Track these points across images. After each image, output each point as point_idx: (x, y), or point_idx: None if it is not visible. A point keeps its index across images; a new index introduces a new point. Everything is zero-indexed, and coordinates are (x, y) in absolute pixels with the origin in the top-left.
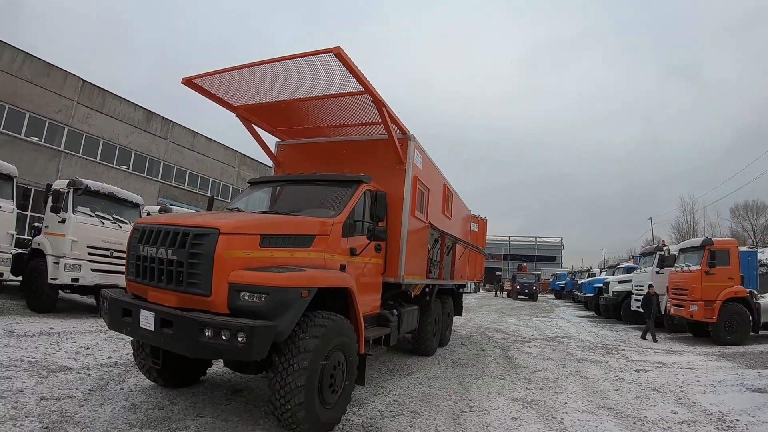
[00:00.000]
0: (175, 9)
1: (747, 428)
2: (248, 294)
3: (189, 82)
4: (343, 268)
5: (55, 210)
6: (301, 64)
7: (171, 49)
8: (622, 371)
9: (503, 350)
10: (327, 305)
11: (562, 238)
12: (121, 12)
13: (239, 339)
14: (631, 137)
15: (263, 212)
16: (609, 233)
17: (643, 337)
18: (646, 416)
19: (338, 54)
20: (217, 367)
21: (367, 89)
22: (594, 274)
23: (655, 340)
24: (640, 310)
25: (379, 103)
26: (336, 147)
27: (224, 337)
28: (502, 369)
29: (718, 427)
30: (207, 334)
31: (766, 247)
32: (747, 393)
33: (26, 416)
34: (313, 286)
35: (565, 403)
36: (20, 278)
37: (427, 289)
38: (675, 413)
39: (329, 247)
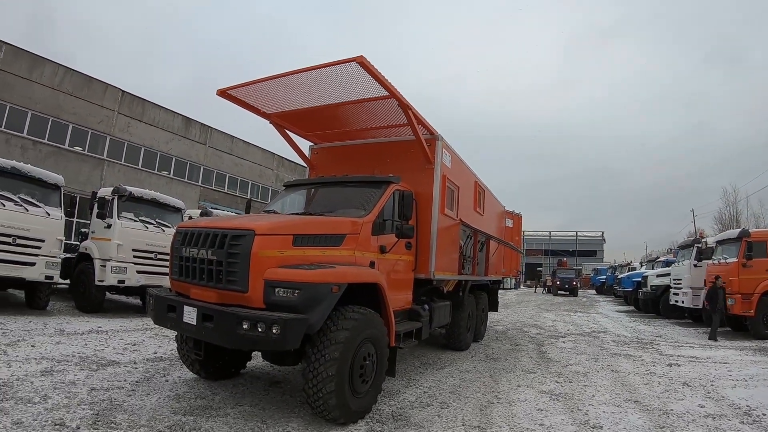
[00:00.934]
0: (206, 18)
1: None
2: (282, 290)
3: (223, 93)
4: (372, 264)
5: (101, 216)
6: (327, 72)
7: (204, 56)
8: (654, 365)
9: (537, 345)
10: (359, 300)
11: (603, 232)
12: (151, 23)
13: (274, 331)
14: (674, 125)
15: (297, 214)
16: (651, 226)
17: (712, 338)
18: (671, 409)
19: (362, 62)
20: (257, 361)
21: (392, 94)
22: (634, 268)
23: (714, 339)
24: (679, 304)
25: (404, 107)
26: (367, 149)
27: (260, 329)
28: (534, 363)
29: (743, 421)
30: (244, 326)
31: None
32: None
33: (78, 404)
34: (343, 281)
35: (593, 395)
36: (68, 281)
37: (460, 285)
38: (702, 407)
39: (359, 245)
